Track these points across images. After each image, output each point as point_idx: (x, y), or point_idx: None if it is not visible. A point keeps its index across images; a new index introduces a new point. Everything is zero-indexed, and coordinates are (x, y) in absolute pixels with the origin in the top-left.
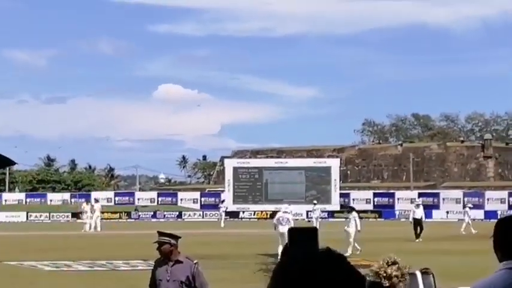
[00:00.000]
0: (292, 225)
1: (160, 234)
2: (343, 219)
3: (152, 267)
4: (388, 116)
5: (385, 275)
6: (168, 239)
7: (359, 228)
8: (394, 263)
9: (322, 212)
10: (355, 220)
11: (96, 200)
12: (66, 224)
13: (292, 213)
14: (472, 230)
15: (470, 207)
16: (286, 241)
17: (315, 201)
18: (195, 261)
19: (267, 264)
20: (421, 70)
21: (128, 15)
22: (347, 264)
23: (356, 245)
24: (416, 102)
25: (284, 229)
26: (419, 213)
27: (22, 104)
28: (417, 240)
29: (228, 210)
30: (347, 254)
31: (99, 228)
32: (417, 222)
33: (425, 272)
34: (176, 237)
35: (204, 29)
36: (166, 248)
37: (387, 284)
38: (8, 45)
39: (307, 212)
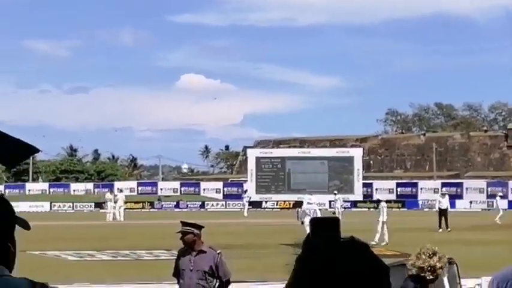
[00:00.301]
0: (319, 215)
1: (184, 224)
2: (366, 209)
3: (175, 257)
4: (410, 105)
5: (429, 268)
6: (191, 228)
7: (383, 218)
8: (434, 253)
9: (345, 201)
10: (382, 210)
11: (120, 190)
12: (89, 213)
13: (316, 203)
14: (498, 220)
15: (501, 196)
16: None
17: (336, 191)
18: (218, 251)
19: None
20: (444, 59)
21: (149, 5)
22: (370, 253)
23: (385, 236)
24: (439, 91)
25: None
26: (445, 203)
27: (44, 94)
28: (440, 230)
29: (251, 200)
30: (372, 243)
31: (122, 218)
32: (442, 212)
33: (449, 262)
34: (199, 227)
35: (225, 19)
36: (189, 237)
37: (431, 277)
38: (30, 36)
39: (330, 201)
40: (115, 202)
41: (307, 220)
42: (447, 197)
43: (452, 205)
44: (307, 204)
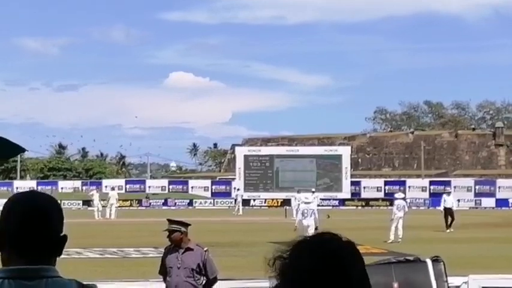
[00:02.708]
0: (317, 216)
1: (171, 222)
2: (354, 207)
3: (162, 255)
4: (400, 104)
5: None
6: (178, 226)
7: (392, 216)
8: None
9: (333, 200)
10: (399, 207)
11: (112, 188)
12: (77, 211)
13: (318, 199)
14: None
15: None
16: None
17: (313, 190)
18: (205, 249)
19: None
20: (432, 58)
21: (139, 2)
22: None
23: (391, 233)
24: (427, 90)
25: (309, 222)
26: (450, 201)
27: (34, 91)
28: (448, 230)
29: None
30: (389, 241)
31: (113, 217)
32: (448, 212)
33: (435, 260)
34: (186, 225)
35: (216, 17)
36: (176, 235)
37: None
38: (20, 33)
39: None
40: (103, 200)
41: (306, 222)
42: (452, 195)
43: (440, 203)
44: (303, 204)
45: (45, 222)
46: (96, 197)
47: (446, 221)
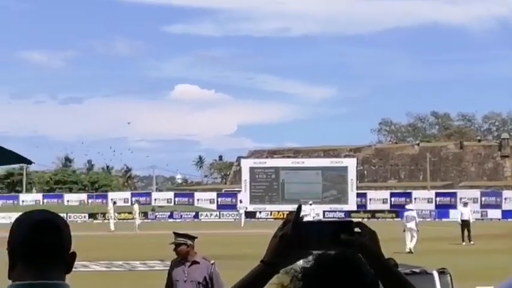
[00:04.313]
0: None
1: (177, 235)
2: (360, 219)
3: (168, 268)
4: (407, 114)
5: None
6: (184, 239)
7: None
8: None
9: (339, 212)
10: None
11: (137, 202)
12: (83, 224)
13: (313, 212)
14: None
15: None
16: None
17: (311, 202)
18: (212, 262)
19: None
20: (438, 69)
21: (143, 15)
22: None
23: (407, 243)
24: (432, 102)
25: None
26: (467, 214)
27: (39, 104)
28: (464, 243)
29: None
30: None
31: (137, 230)
32: (465, 224)
33: (442, 272)
34: (192, 238)
35: (220, 29)
36: (183, 248)
37: None
38: (25, 46)
39: (324, 212)
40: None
41: None
42: (469, 206)
43: (446, 215)
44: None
45: (57, 236)
46: (112, 209)
47: (463, 234)
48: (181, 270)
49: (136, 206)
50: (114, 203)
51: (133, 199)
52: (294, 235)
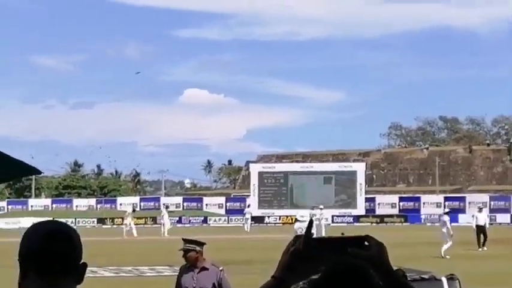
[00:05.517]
0: (323, 233)
1: (186, 241)
2: (369, 224)
3: (177, 274)
4: (416, 119)
5: None
6: (193, 246)
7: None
8: None
9: (348, 216)
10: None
11: (166, 207)
12: (91, 229)
13: (323, 217)
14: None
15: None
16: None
17: (321, 206)
18: (220, 268)
19: None
20: (447, 73)
21: (153, 20)
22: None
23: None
24: (442, 105)
25: None
26: (483, 219)
27: (49, 109)
28: (480, 249)
29: (253, 215)
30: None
31: (166, 234)
32: (480, 229)
33: (450, 278)
34: (201, 244)
35: (229, 34)
36: (192, 255)
37: None
38: (35, 51)
39: (332, 216)
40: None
41: None
42: (484, 211)
43: (455, 219)
44: (298, 223)
45: (70, 245)
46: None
47: (478, 239)
48: (190, 276)
49: (164, 210)
50: (167, 207)
51: (142, 204)
52: (305, 250)
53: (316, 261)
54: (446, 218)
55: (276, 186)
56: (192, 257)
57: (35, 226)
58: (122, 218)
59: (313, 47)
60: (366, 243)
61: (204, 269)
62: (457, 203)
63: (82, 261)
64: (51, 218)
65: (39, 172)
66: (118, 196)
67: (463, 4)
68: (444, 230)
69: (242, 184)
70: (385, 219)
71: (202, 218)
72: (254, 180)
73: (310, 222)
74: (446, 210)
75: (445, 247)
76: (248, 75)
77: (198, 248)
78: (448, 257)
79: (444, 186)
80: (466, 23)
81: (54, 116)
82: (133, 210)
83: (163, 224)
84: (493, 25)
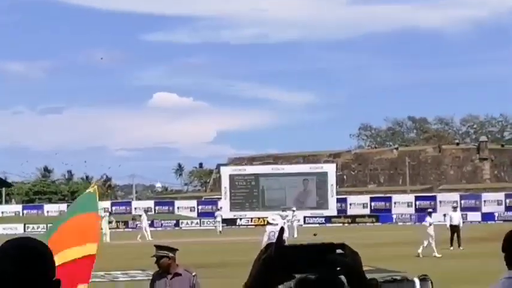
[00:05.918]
0: (295, 234)
1: (158, 248)
2: (341, 225)
3: (150, 279)
4: (385, 119)
5: None
6: (166, 252)
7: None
8: None
9: (319, 217)
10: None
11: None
12: None
13: (295, 218)
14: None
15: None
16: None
17: (294, 208)
18: (193, 273)
19: None
20: (416, 74)
21: (121, 24)
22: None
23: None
24: (411, 106)
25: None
26: (457, 218)
27: (18, 115)
28: (452, 247)
29: (225, 217)
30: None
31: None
32: (454, 229)
33: (423, 279)
34: (174, 250)
35: (198, 37)
36: (164, 261)
37: None
38: (3, 57)
39: (304, 217)
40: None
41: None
42: (459, 211)
43: (425, 219)
44: (270, 226)
45: (43, 264)
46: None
47: (452, 239)
48: (163, 282)
49: (144, 215)
50: (146, 211)
51: (114, 208)
52: (277, 258)
53: (288, 270)
54: (429, 219)
55: (247, 188)
56: (164, 264)
57: (6, 244)
58: None
59: (283, 50)
60: (340, 251)
61: (177, 274)
62: (427, 202)
63: (55, 278)
64: (21, 234)
65: (10, 185)
66: None
67: (429, 6)
68: (430, 230)
69: (213, 187)
70: (357, 220)
71: (175, 222)
72: (225, 182)
73: (281, 230)
74: (429, 210)
75: (425, 246)
76: (217, 78)
77: (170, 254)
78: (422, 256)
79: (415, 185)
80: (432, 24)
81: (23, 121)
82: (110, 214)
83: (145, 228)
84: (458, 26)
